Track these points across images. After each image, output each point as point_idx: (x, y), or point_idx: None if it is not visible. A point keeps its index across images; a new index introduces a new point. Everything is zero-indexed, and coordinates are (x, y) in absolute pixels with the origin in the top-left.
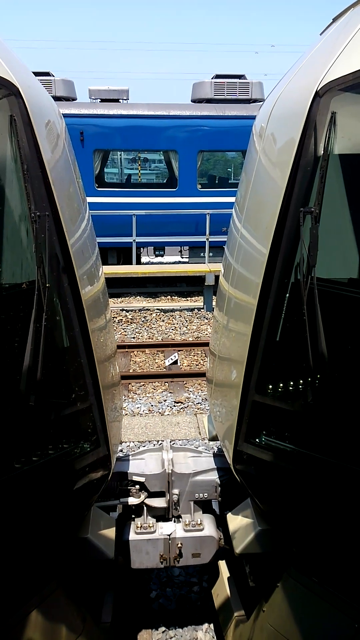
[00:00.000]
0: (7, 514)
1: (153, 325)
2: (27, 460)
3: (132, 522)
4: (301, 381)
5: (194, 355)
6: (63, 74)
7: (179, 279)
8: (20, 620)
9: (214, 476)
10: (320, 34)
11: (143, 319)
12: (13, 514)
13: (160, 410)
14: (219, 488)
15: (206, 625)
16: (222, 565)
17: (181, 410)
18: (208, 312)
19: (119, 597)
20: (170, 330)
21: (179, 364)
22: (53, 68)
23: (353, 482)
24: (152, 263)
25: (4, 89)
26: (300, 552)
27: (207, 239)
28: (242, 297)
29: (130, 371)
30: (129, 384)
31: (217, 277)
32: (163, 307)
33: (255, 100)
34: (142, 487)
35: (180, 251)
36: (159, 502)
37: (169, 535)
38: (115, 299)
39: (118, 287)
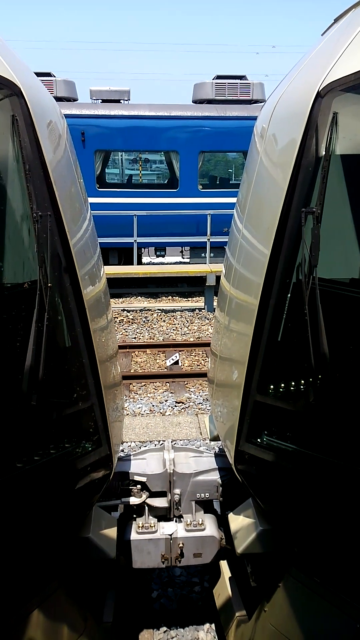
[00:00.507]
0: (8, 513)
1: (154, 326)
2: (29, 459)
3: (134, 522)
4: (303, 381)
5: (195, 356)
6: (64, 75)
7: (180, 280)
8: (22, 619)
9: (215, 476)
10: (322, 35)
11: (144, 319)
12: (15, 513)
13: (161, 411)
14: (221, 488)
15: (207, 625)
16: (224, 565)
17: (182, 410)
18: (209, 313)
19: (120, 596)
20: (172, 331)
21: (180, 364)
22: (54, 68)
23: (354, 482)
24: (153, 263)
25: (6, 89)
26: (302, 552)
27: (208, 239)
28: (244, 298)
29: (132, 371)
30: (130, 384)
31: (218, 278)
32: (164, 308)
33: (256, 101)
34: (144, 487)
35: (182, 252)
36: (160, 502)
37: (171, 535)
38: (117, 299)
39: (119, 287)
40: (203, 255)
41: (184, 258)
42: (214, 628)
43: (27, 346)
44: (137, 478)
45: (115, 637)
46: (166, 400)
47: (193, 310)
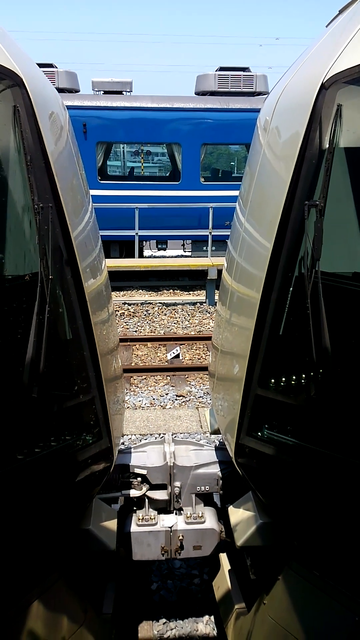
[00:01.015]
0: (9, 505)
1: (155, 319)
2: (30, 451)
3: (134, 514)
4: (304, 375)
5: (196, 349)
6: (66, 66)
7: (181, 273)
8: (22, 610)
9: (215, 469)
10: (326, 26)
11: (145, 313)
12: (15, 505)
13: (162, 404)
14: (221, 481)
15: (207, 617)
16: (223, 557)
17: (183, 403)
18: (210, 306)
19: (120, 588)
20: (173, 324)
21: (181, 357)
22: (56, 59)
23: (355, 476)
24: (155, 257)
25: (8, 79)
26: (302, 546)
27: (210, 232)
28: (245, 291)
29: (133, 364)
30: (131, 377)
31: (219, 271)
32: (165, 301)
33: (259, 93)
34: (144, 479)
35: (183, 245)
36: (160, 495)
37: (171, 527)
38: (118, 292)
39: (120, 280)
40: (205, 248)
41: (185, 251)
42: (213, 620)
43: (28, 338)
44: (137, 471)
45: (115, 629)
46: (167, 394)
47: (194, 303)
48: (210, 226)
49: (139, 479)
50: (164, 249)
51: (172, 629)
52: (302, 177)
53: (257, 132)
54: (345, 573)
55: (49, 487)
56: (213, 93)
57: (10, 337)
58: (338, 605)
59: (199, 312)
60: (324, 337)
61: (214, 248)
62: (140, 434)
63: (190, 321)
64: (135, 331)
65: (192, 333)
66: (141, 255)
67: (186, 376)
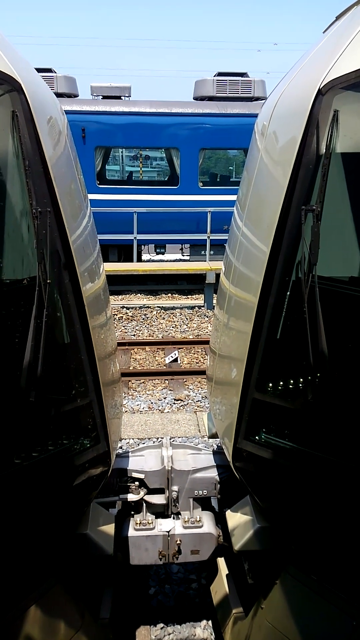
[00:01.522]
0: (6, 509)
1: (153, 323)
2: (27, 455)
3: (132, 519)
4: (301, 379)
5: (194, 353)
6: (65, 71)
7: (179, 277)
8: (19, 615)
9: (213, 473)
10: (323, 32)
11: (143, 317)
12: (12, 509)
13: (160, 408)
14: (219, 485)
15: (204, 622)
16: (221, 562)
17: (181, 407)
18: (208, 310)
19: (117, 593)
20: (171, 328)
21: (179, 361)
22: (55, 64)
23: (352, 480)
24: (153, 261)
25: (6, 84)
26: (299, 550)
27: (208, 236)
28: (243, 295)
29: (131, 368)
30: (129, 381)
31: (217, 275)
32: (163, 305)
33: (257, 98)
34: (142, 483)
35: (181, 249)
36: (158, 499)
37: (168, 532)
38: (116, 296)
39: (119, 284)
40: (203, 252)
41: (183, 255)
42: (210, 625)
43: (26, 342)
44: (135, 475)
45: (112, 633)
46: (165, 398)
47: (192, 307)
48: (208, 230)
49: (137, 483)
50: (163, 253)
51: (169, 634)
52: (299, 182)
53: (254, 137)
54: (343, 577)
55: (46, 491)
56: (211, 98)
57: (8, 341)
58: (336, 609)
59: (197, 316)
60: (321, 341)
61: (212, 252)
62: (138, 438)
63: (189, 325)
64: (134, 335)
65: (191, 337)
66: (140, 259)
67: (184, 380)
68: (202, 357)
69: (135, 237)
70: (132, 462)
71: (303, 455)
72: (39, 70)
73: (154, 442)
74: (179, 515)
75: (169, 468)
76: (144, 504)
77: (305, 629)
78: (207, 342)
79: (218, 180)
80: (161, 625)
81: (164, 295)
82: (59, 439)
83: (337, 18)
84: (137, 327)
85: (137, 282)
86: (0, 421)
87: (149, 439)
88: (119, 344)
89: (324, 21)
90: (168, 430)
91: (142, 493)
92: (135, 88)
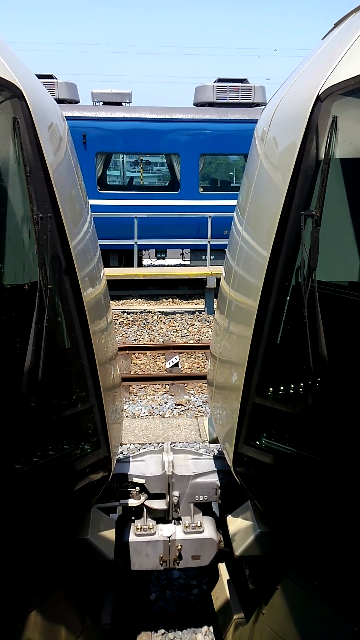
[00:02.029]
0: (7, 514)
1: (154, 328)
2: (28, 461)
3: (132, 524)
4: (302, 384)
5: (194, 358)
6: (66, 77)
7: (180, 282)
8: (20, 620)
9: (214, 478)
10: (322, 39)
11: (144, 321)
12: (13, 514)
13: (160, 413)
14: (219, 490)
15: (205, 627)
16: (222, 567)
17: (182, 412)
18: (209, 315)
19: (118, 598)
20: (172, 333)
21: (179, 366)
22: (56, 70)
23: (353, 485)
24: (154, 265)
25: (7, 91)
26: (300, 555)
27: (209, 242)
28: (243, 300)
29: (131, 373)
30: (130, 386)
31: (218, 280)
32: (164, 310)
33: (257, 104)
34: (143, 488)
35: (182, 254)
36: (159, 504)
37: (169, 537)
38: (117, 301)
39: (119, 289)
40: (203, 257)
41: (184, 260)
42: (212, 630)
43: (26, 347)
44: (135, 480)
45: (113, 639)
46: (166, 403)
47: (193, 312)
48: (209, 235)
49: (138, 488)
50: (163, 258)
51: None
52: (299, 188)
53: (254, 142)
54: (344, 583)
55: (47, 496)
56: (211, 104)
57: (9, 346)
58: (337, 615)
59: (198, 320)
60: (321, 346)
61: (212, 257)
62: (139, 443)
63: (189, 330)
64: (134, 340)
65: (191, 342)
66: (140, 264)
67: (185, 385)
68: (202, 362)
69: (136, 242)
70: (132, 467)
71: (304, 460)
72: (40, 76)
73: (154, 447)
74: (180, 521)
75: (170, 473)
76: (145, 509)
77: (306, 635)
78: (207, 347)
79: (218, 185)
80: (162, 631)
81: (164, 300)
82: (59, 444)
83: (336, 25)
84: (137, 332)
85: (138, 287)
86: (1, 426)
87: (149, 444)
88: (120, 349)
89: (323, 27)
90: (169, 435)
91: (142, 498)
92: (136, 94)
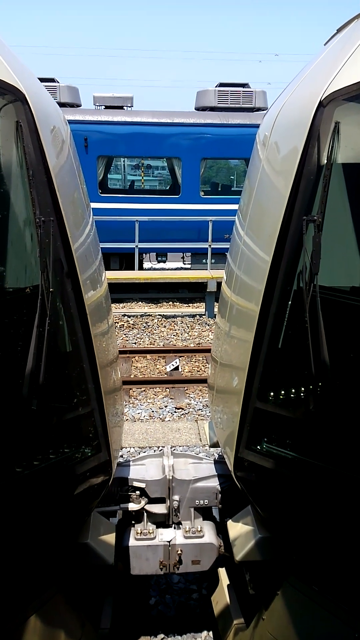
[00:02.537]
0: (7, 518)
1: (155, 331)
2: (28, 464)
3: (132, 528)
4: (303, 389)
5: (195, 362)
6: (68, 80)
7: (180, 285)
8: (19, 624)
9: (214, 483)
10: (325, 44)
11: (145, 325)
12: (13, 518)
13: (161, 416)
14: (220, 495)
15: (205, 632)
16: (222, 572)
17: (182, 416)
18: (209, 319)
19: (118, 603)
20: (172, 336)
21: (180, 369)
22: (58, 74)
23: (354, 490)
24: (154, 269)
25: (10, 94)
26: (301, 560)
27: (210, 245)
28: (245, 304)
29: (132, 376)
30: (130, 389)
31: (218, 284)
32: (165, 313)
33: (258, 109)
34: (143, 493)
35: (183, 257)
36: (159, 509)
37: (169, 541)
38: (117, 304)
39: (120, 292)
40: (204, 261)
41: (185, 264)
42: (211, 635)
43: (28, 351)
44: (136, 484)
45: None
46: (166, 406)
47: (194, 316)
48: (209, 239)
49: (138, 492)
50: (164, 262)
51: None
52: (301, 192)
53: (256, 147)
54: (344, 588)
55: (47, 500)
56: (213, 108)
57: (11, 350)
58: (337, 621)
59: (199, 324)
60: (322, 351)
61: (213, 261)
62: (139, 447)
63: (190, 333)
64: (135, 343)
65: (192, 345)
66: (141, 268)
67: (185, 388)
68: (203, 366)
69: (136, 246)
70: (133, 471)
71: (305, 465)
72: (41, 80)
73: (154, 450)
74: (180, 525)
75: (170, 477)
76: (145, 514)
77: None
78: (208, 351)
79: (219, 189)
80: (162, 635)
81: (165, 303)
82: (60, 448)
83: (338, 31)
84: (138, 335)
85: (139, 290)
86: (1, 429)
87: (149, 447)
88: (120, 352)
89: (324, 33)
90: (169, 439)
91: (143, 502)
92: (137, 98)
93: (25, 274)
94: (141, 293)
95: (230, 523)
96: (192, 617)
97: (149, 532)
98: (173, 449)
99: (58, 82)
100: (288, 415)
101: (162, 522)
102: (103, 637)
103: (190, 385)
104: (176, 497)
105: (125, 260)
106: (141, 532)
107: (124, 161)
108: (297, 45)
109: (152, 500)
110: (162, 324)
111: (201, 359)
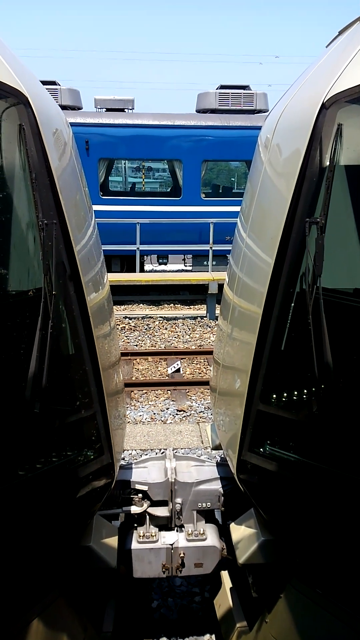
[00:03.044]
0: (9, 521)
1: (156, 333)
2: (31, 467)
3: (135, 531)
4: (306, 391)
5: (196, 364)
6: (69, 83)
7: (182, 287)
8: (22, 628)
9: (217, 485)
10: (326, 47)
11: (146, 327)
12: (16, 521)
13: (162, 419)
14: (222, 497)
15: (208, 636)
16: (225, 575)
17: (184, 418)
18: (211, 321)
19: (120, 606)
20: (173, 338)
21: (181, 372)
22: (59, 77)
23: (357, 493)
24: (156, 271)
25: (13, 97)
26: (304, 563)
27: (211, 247)
28: (247, 306)
29: (133, 379)
30: (132, 391)
31: (220, 286)
32: (166, 315)
33: (259, 111)
34: (145, 495)
35: (184, 259)
36: (161, 511)
37: (172, 544)
38: (119, 306)
39: (121, 294)
40: (205, 263)
41: (186, 266)
42: (214, 639)
43: (31, 353)
44: (138, 487)
45: None
46: (167, 408)
47: (195, 318)
48: (210, 241)
49: (140, 495)
50: (165, 264)
51: None
52: (303, 195)
53: (258, 149)
54: (348, 591)
55: (50, 503)
56: (214, 111)
57: (14, 352)
58: (341, 623)
59: (200, 326)
60: (325, 353)
61: (214, 263)
62: (140, 449)
63: (191, 335)
64: (136, 345)
65: (193, 347)
66: (142, 270)
67: (187, 391)
68: (204, 368)
69: (138, 248)
70: (135, 474)
71: (308, 467)
72: (43, 82)
73: (156, 453)
74: (183, 528)
75: (173, 480)
76: (147, 517)
77: None
78: (209, 353)
79: (220, 191)
80: (164, 639)
81: (166, 305)
82: (63, 451)
83: (340, 33)
84: (139, 338)
85: (140, 292)
86: (4, 432)
87: (151, 450)
88: (122, 354)
89: (325, 35)
90: (171, 442)
91: (145, 505)
92: (139, 101)
93: (28, 277)
94: (142, 295)
95: (233, 526)
96: (195, 620)
97: (151, 535)
98: (175, 451)
99: (59, 85)
100: (291, 418)
101: (165, 525)
102: None
103: (192, 387)
104: (178, 500)
105: (126, 263)
106: (144, 535)
107: (125, 163)
108: (298, 47)
109: (154, 503)
110: (163, 326)
111: (202, 361)
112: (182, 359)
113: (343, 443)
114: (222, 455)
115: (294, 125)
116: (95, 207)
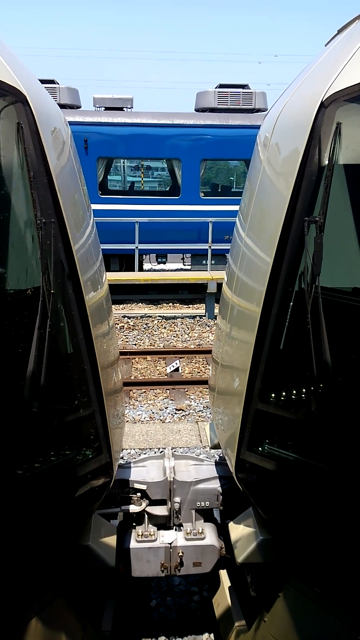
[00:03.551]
0: (8, 520)
1: (155, 332)
2: (29, 466)
3: (133, 530)
4: (304, 390)
5: (195, 363)
6: (68, 82)
7: (181, 287)
8: (20, 627)
9: (215, 484)
10: (325, 45)
11: (145, 326)
12: (14, 520)
13: (161, 418)
14: (221, 497)
15: (206, 635)
16: (223, 574)
17: (182, 417)
18: (210, 320)
19: (119, 605)
20: (172, 337)
21: (180, 371)
22: (58, 75)
23: (356, 492)
24: (154, 270)
25: (12, 96)
26: (302, 562)
27: (210, 246)
28: (246, 305)
29: (132, 378)
30: (131, 390)
31: (219, 285)
32: (165, 314)
33: (258, 110)
34: (144, 494)
35: (183, 259)
36: (160, 510)
37: (170, 543)
38: (117, 305)
39: (120, 294)
40: (204, 262)
41: (185, 265)
42: (213, 638)
43: (29, 352)
44: (137, 486)
45: None
46: (166, 408)
47: (194, 317)
48: (209, 240)
49: (139, 494)
50: (164, 263)
51: None
52: (302, 194)
53: (257, 148)
54: (346, 590)
55: (48, 502)
56: (213, 110)
57: (12, 351)
58: (339, 623)
59: (199, 325)
60: (324, 352)
61: (213, 262)
62: (139, 448)
63: (190, 334)
64: (135, 344)
65: (192, 346)
66: (141, 269)
67: (186, 390)
68: (203, 367)
69: (136, 247)
70: (134, 473)
71: (306, 466)
72: (42, 81)
73: (155, 452)
74: (181, 527)
75: (171, 479)
76: (146, 516)
77: None
78: (208, 352)
79: (219, 190)
80: (163, 638)
81: (165, 304)
82: (61, 450)
83: (339, 31)
84: (138, 337)
85: (139, 291)
86: (2, 431)
87: (150, 449)
88: (120, 354)
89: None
90: (169, 441)
91: (144, 504)
92: (138, 99)
93: (26, 276)
94: (141, 294)
95: (231, 525)
96: (193, 619)
97: (150, 534)
98: (174, 450)
99: (58, 84)
100: (290, 417)
101: (163, 524)
102: None
103: (191, 386)
104: (177, 499)
105: (125, 262)
106: (142, 534)
107: (123, 162)
108: (297, 46)
109: (153, 502)
110: (162, 325)
111: (201, 360)
112: (180, 358)
113: (342, 442)
114: (221, 455)
115: (292, 124)
116: (94, 206)
